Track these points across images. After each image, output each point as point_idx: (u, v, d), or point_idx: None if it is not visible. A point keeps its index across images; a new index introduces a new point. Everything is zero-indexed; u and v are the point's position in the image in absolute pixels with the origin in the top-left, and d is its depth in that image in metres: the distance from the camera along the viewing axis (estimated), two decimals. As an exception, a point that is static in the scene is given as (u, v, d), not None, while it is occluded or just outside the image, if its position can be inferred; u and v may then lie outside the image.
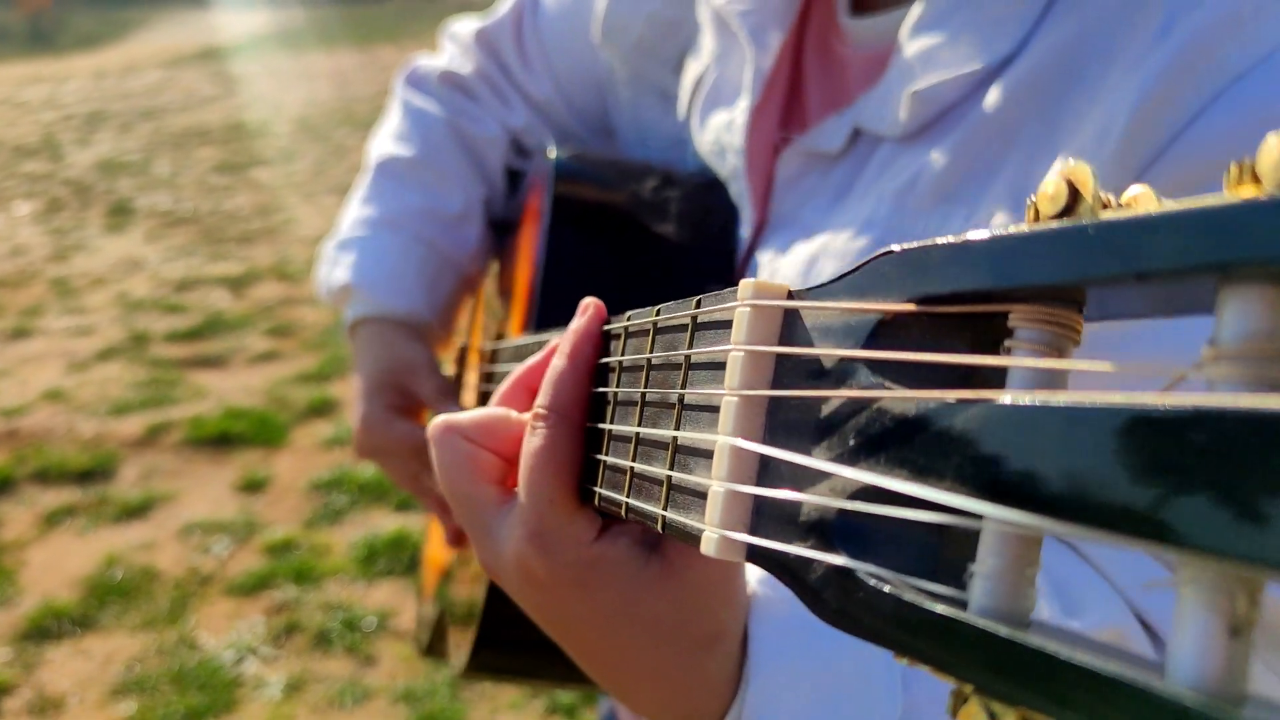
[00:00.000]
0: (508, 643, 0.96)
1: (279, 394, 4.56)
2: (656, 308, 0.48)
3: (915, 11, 0.80)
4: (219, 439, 4.12)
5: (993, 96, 0.74)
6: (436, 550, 1.32)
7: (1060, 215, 0.24)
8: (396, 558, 3.31)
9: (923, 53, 0.78)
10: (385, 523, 3.51)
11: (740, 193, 0.94)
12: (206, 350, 5.12)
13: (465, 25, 1.31)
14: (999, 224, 0.70)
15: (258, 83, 14.39)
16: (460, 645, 1.02)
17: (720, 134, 0.97)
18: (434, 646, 1.30)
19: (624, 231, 0.98)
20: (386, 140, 1.28)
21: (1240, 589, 0.20)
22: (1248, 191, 0.21)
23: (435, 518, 1.36)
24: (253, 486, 3.78)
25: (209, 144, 10.31)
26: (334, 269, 1.22)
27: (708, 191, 0.99)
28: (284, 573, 3.25)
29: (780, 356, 0.33)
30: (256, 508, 3.65)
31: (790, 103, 0.95)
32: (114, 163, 9.62)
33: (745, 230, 0.94)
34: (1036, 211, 0.25)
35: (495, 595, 0.93)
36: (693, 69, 1.05)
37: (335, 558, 3.34)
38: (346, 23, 21.47)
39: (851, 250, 0.79)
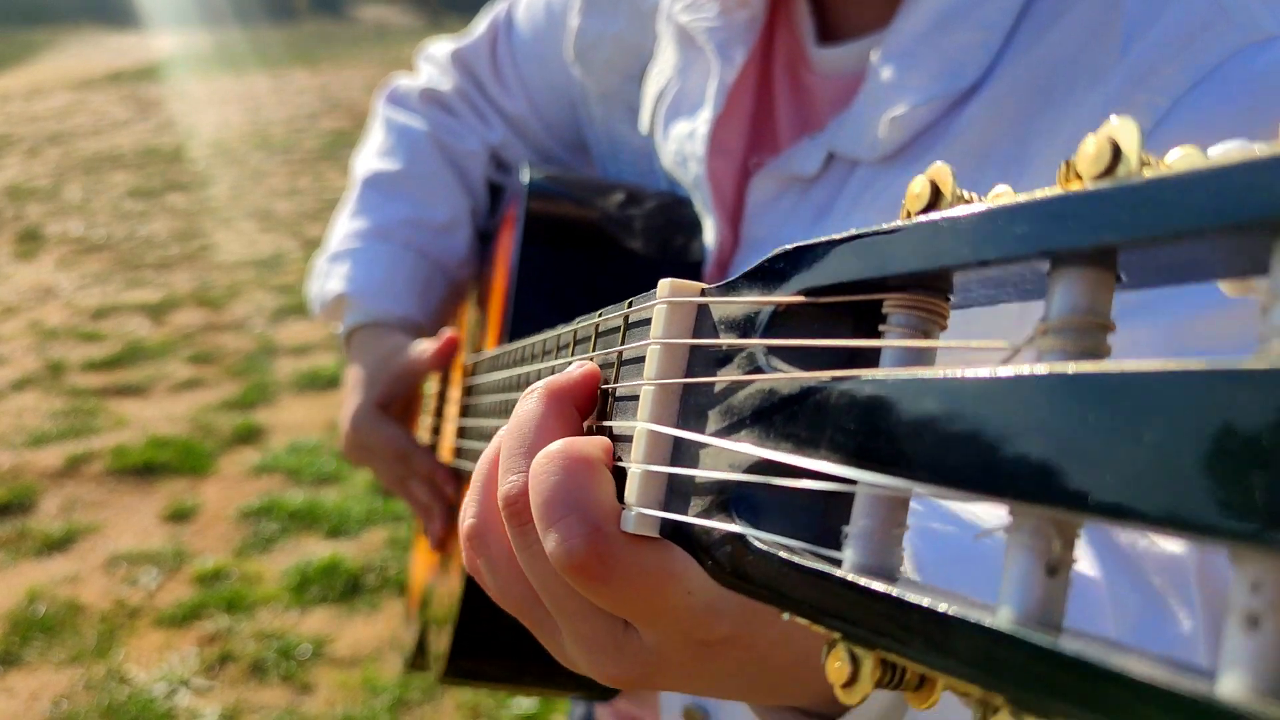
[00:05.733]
0: (486, 647, 0.99)
1: (204, 421, 4.50)
2: (599, 311, 0.50)
3: (883, 40, 0.85)
4: (143, 468, 4.06)
5: (966, 118, 0.80)
6: (423, 564, 1.34)
7: (925, 210, 0.28)
8: (329, 585, 3.29)
9: (894, 79, 0.83)
10: (317, 549, 3.49)
11: (703, 201, 0.99)
12: (126, 379, 5.04)
13: (440, 47, 1.36)
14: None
15: (168, 106, 14.15)
16: (438, 651, 1.04)
17: (682, 143, 1.00)
18: (417, 661, 1.31)
19: (594, 247, 1.02)
20: (371, 157, 1.32)
21: (1056, 533, 0.24)
22: (1073, 185, 0.25)
23: (421, 529, 1.38)
24: (180, 516, 3.73)
25: (122, 169, 10.14)
26: (327, 281, 1.25)
27: (672, 208, 1.04)
28: (215, 602, 3.21)
29: (694, 348, 0.36)
30: (185, 537, 3.60)
31: (759, 126, 0.99)
32: (22, 188, 9.42)
33: (709, 238, 0.98)
34: (907, 213, 0.29)
35: (471, 598, 0.96)
36: (654, 81, 1.09)
37: (267, 586, 3.31)
38: (255, 46, 21.22)
39: None
